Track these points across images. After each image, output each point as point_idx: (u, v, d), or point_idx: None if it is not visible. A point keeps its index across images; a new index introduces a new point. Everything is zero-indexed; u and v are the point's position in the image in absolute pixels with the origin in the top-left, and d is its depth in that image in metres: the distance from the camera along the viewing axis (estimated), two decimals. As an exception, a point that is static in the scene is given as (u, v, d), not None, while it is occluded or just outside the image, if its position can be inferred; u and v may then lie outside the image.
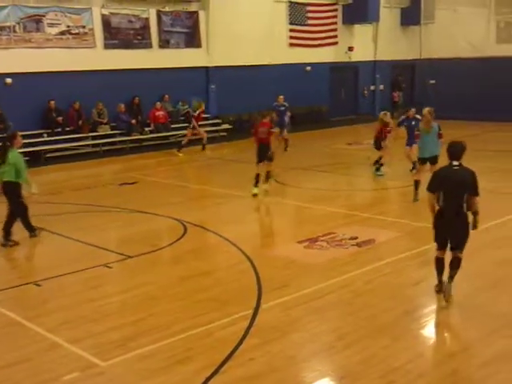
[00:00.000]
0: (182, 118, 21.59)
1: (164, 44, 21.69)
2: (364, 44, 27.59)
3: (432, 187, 6.94)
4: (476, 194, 6.77)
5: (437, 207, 6.90)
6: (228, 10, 22.60)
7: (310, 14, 25.62)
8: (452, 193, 6.75)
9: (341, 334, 6.28)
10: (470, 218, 6.86)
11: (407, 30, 28.79)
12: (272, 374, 5.57)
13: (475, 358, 5.73)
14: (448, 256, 7.04)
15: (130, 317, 6.89)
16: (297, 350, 6.05)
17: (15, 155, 9.74)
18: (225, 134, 22.29)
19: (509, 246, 9.10)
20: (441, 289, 7.09)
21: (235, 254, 8.97)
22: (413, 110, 14.25)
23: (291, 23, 25.11)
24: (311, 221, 10.88)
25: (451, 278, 6.95)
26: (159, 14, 21.52)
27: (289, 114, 19.17)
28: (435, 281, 7.19)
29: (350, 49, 27.03)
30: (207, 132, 21.77)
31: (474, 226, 6.92)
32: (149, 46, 21.27)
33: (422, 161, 11.54)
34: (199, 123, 19.50)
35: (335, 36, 26.60)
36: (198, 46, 22.58)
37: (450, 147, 6.95)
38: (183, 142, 19.02)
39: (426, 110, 11.48)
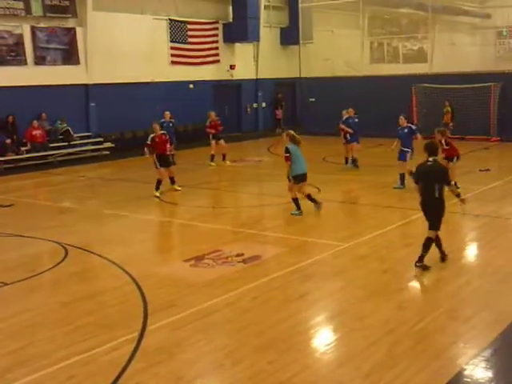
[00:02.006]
0: (61, 137, 20.90)
1: (40, 61, 20.94)
2: (246, 62, 28.06)
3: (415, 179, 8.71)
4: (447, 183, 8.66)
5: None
6: (107, 27, 22.20)
7: (190, 33, 25.72)
8: (428, 183, 8.44)
9: (229, 352, 6.26)
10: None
11: (287, 49, 29.59)
12: (160, 397, 5.45)
13: (360, 368, 5.88)
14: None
15: (7, 347, 6.52)
16: (185, 371, 5.95)
17: None
18: (107, 152, 21.77)
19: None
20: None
21: (120, 276, 8.73)
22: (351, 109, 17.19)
23: (172, 41, 25.08)
24: (197, 239, 10.81)
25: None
26: (34, 30, 20.75)
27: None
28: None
29: (232, 67, 27.40)
30: (88, 151, 21.28)
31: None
32: (23, 62, 20.46)
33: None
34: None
35: (217, 54, 26.87)
36: (77, 63, 21.99)
37: (427, 145, 8.73)
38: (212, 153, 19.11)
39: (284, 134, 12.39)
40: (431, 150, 8.72)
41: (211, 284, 8.32)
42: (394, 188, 14.18)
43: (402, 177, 14.04)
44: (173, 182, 14.79)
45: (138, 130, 22.65)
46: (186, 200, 14.13)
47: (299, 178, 12.00)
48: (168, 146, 14.79)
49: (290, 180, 12.07)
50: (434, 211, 8.53)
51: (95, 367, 6.01)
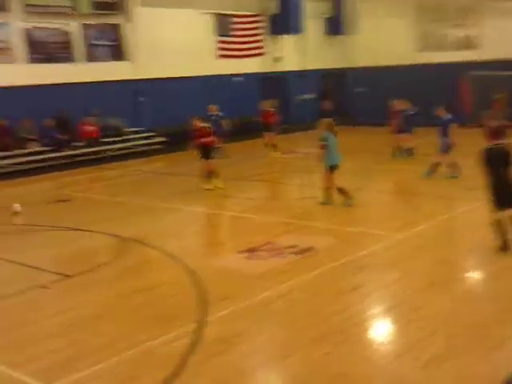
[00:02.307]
0: (114, 132, 21.33)
1: (90, 58, 21.38)
2: (291, 54, 28.00)
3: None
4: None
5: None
6: (153, 23, 22.51)
7: (235, 26, 25.83)
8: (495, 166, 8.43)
9: (285, 343, 6.35)
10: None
11: (333, 39, 29.38)
12: (220, 387, 5.57)
13: (419, 359, 5.89)
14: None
15: (72, 337, 6.74)
16: (243, 362, 6.06)
17: None
18: (159, 146, 22.12)
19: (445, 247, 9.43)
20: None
21: (177, 268, 8.91)
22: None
23: (218, 34, 25.24)
24: (250, 231, 10.94)
25: None
26: (83, 27, 21.18)
27: (224, 122, 19.36)
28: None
29: (278, 59, 27.39)
30: (140, 146, 21.68)
31: None
32: (74, 59, 20.92)
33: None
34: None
35: (262, 46, 26.91)
36: (125, 58, 22.38)
37: (494, 129, 8.77)
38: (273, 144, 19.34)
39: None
40: (497, 133, 8.70)
41: (265, 276, 8.41)
42: (424, 177, 14.02)
43: (435, 166, 13.85)
44: (210, 176, 14.46)
45: (183, 124, 22.87)
46: (237, 192, 14.28)
47: (333, 168, 12.03)
48: (212, 138, 14.72)
49: (325, 170, 12.10)
50: (502, 193, 8.44)
51: (156, 358, 6.16)
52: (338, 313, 7.04)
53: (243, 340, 6.51)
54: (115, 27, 22.14)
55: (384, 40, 26.68)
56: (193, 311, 7.22)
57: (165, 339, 6.52)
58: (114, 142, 21.20)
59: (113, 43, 22.09)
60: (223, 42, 25.40)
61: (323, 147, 12.02)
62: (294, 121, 27.86)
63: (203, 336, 6.56)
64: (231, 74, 25.41)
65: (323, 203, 12.14)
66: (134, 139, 22.14)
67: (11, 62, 19.33)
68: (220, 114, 19.10)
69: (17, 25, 19.49)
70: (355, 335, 6.51)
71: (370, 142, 20.50)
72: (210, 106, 19.13)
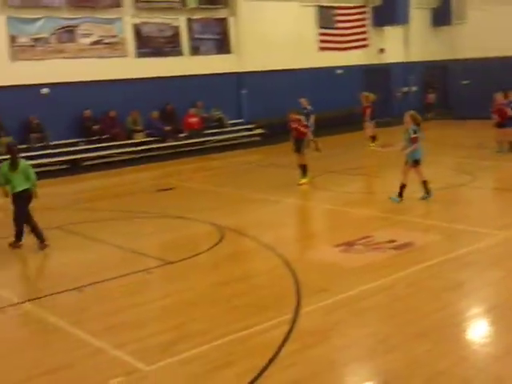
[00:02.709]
0: (216, 124, 21.78)
1: (195, 51, 21.90)
2: (395, 45, 27.45)
3: None
4: None
5: None
6: (257, 16, 22.74)
7: (338, 17, 25.60)
8: None
9: (382, 338, 6.25)
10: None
11: (438, 30, 28.53)
12: (314, 378, 5.56)
13: (520, 361, 5.66)
14: None
15: (172, 322, 6.97)
16: (338, 355, 6.05)
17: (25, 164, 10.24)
18: (258, 138, 22.37)
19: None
20: None
21: (273, 259, 8.99)
22: None
23: (321, 27, 25.11)
24: (347, 224, 10.86)
25: None
26: (189, 22, 21.73)
27: (312, 117, 19.30)
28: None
29: (381, 51, 26.91)
30: (240, 137, 21.99)
31: None
32: (180, 53, 21.52)
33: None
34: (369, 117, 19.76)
35: (365, 38, 26.52)
36: (229, 51, 22.75)
37: None
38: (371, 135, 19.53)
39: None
40: None
41: (363, 270, 8.32)
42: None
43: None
44: (304, 171, 14.26)
45: (284, 116, 22.98)
46: (334, 185, 14.19)
47: (418, 162, 11.70)
48: (304, 131, 14.52)
49: (407, 163, 11.76)
50: None
51: (251, 346, 6.24)
52: (439, 310, 6.86)
53: (338, 333, 6.49)
54: (220, 21, 22.55)
55: (493, 30, 25.53)
56: (288, 302, 7.26)
57: (260, 328, 6.59)
58: (216, 134, 21.64)
59: (217, 37, 22.52)
60: (326, 34, 25.26)
61: (416, 140, 11.64)
62: (396, 114, 27.30)
63: (298, 327, 6.58)
64: (333, 67, 25.23)
65: (423, 198, 11.81)
66: (235, 131, 22.49)
67: (122, 56, 20.15)
68: (310, 107, 19.03)
69: (128, 20, 20.28)
70: (455, 334, 6.33)
71: (475, 137, 19.74)
72: (301, 100, 19.11)
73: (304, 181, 14.15)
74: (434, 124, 25.36)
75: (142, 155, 19.78)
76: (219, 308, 7.33)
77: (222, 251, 9.62)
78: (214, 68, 21.94)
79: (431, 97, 28.21)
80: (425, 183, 11.86)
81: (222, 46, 22.71)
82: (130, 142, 19.91)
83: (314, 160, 15.58)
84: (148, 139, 20.27)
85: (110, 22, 19.99)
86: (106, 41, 19.93)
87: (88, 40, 19.56)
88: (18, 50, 18.21)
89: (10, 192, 10.02)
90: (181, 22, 21.55)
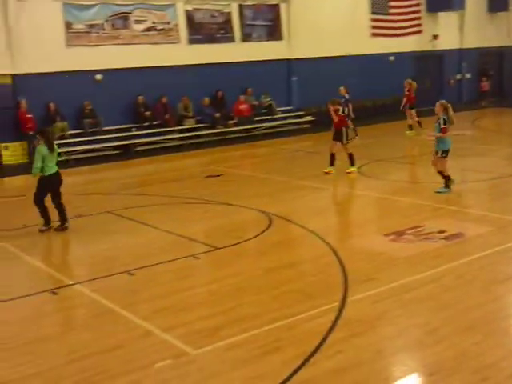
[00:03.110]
0: (265, 111, 21.78)
1: (246, 37, 21.90)
2: (449, 32, 26.85)
3: None
4: None
5: None
6: (309, 2, 22.58)
7: (392, 3, 25.18)
8: None
9: (430, 329, 6.19)
10: None
11: (494, 16, 27.78)
12: (360, 367, 5.56)
13: None
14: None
15: (219, 307, 7.05)
16: (385, 344, 6.02)
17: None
18: (308, 126, 22.27)
19: None
20: None
21: (320, 246, 8.98)
22: None
23: (373, 12, 24.75)
24: (397, 213, 10.75)
25: None
26: (241, 8, 21.73)
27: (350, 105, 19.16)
28: None
29: (435, 37, 26.37)
30: (290, 124, 21.94)
31: None
32: (231, 40, 21.54)
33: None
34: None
35: (419, 24, 26.03)
36: (280, 38, 22.67)
37: None
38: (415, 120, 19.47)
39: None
40: None
41: (412, 260, 8.24)
42: None
43: None
44: (351, 160, 14.17)
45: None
46: (383, 174, 14.05)
47: (447, 153, 11.56)
48: (339, 121, 14.32)
49: (437, 154, 11.59)
50: None
51: (298, 333, 6.27)
52: (488, 303, 6.75)
53: (386, 323, 6.46)
54: (272, 7, 22.47)
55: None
56: (335, 290, 7.26)
57: (307, 315, 6.61)
58: (265, 121, 21.64)
59: (269, 23, 22.46)
60: (378, 20, 24.88)
61: (445, 131, 11.44)
62: (449, 101, 26.75)
63: (345, 315, 6.58)
64: (385, 53, 24.87)
65: (446, 191, 11.67)
66: (285, 118, 22.43)
67: (174, 43, 20.32)
68: (348, 96, 18.84)
69: (180, 7, 20.42)
70: (504, 328, 6.24)
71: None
72: (340, 88, 18.93)
73: (352, 169, 14.05)
74: (488, 112, 24.80)
75: (191, 141, 19.96)
76: (267, 294, 7.37)
77: (270, 238, 9.66)
78: (264, 55, 21.90)
79: (486, 84, 27.53)
80: (446, 177, 11.72)
81: (274, 32, 22.63)
82: (180, 128, 20.11)
83: (362, 148, 15.46)
84: (198, 125, 20.42)
85: (162, 8, 20.16)
86: (159, 27, 20.12)
87: (141, 26, 19.78)
88: (73, 37, 18.56)
89: (41, 174, 10.30)
90: (233, 8, 21.56)
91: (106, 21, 19.11)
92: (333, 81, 22.39)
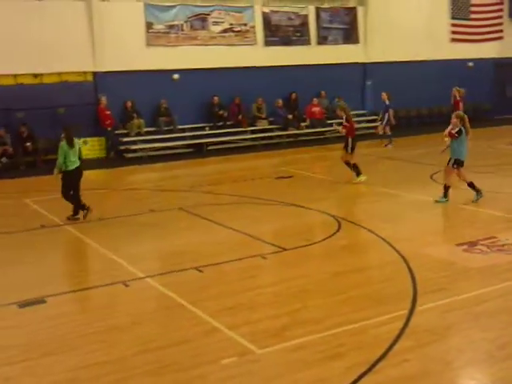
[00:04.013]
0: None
1: (322, 40, 21.87)
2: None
3: None
4: None
5: None
6: (387, 5, 22.34)
7: (473, 8, 24.55)
8: None
9: (501, 344, 6.01)
10: None
11: None
12: (426, 377, 5.46)
13: None
14: None
15: (285, 308, 7.06)
16: (453, 356, 5.88)
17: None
18: (384, 130, 21.97)
19: None
20: None
21: (389, 253, 8.86)
22: None
23: (453, 17, 24.21)
24: (471, 223, 10.50)
25: None
26: (318, 11, 21.71)
27: (390, 111, 18.94)
28: None
29: (516, 43, 25.57)
30: (362, 129, 21.73)
31: None
32: (307, 42, 21.57)
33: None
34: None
35: (500, 30, 25.27)
36: (356, 42, 22.50)
37: None
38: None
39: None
40: None
41: (485, 271, 8.01)
42: None
43: None
44: (355, 170, 13.93)
45: (411, 108, 22.56)
46: (459, 182, 13.67)
47: (462, 163, 11.50)
48: (347, 128, 14.07)
49: (449, 163, 11.57)
50: None
51: (363, 339, 6.21)
52: None
53: (455, 334, 6.32)
54: (349, 10, 22.33)
55: None
56: (403, 298, 7.14)
57: (373, 322, 6.54)
58: (337, 124, 21.46)
59: (345, 26, 22.34)
60: (459, 25, 24.33)
61: (453, 136, 11.41)
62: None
63: (412, 324, 6.47)
64: (463, 59, 24.28)
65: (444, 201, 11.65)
66: (357, 122, 22.19)
67: (251, 44, 20.51)
68: (388, 102, 18.48)
69: (258, 9, 20.58)
70: None
71: None
72: (382, 94, 18.70)
73: (359, 179, 13.81)
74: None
75: (263, 142, 20.08)
76: (333, 298, 7.33)
77: (339, 242, 9.61)
78: (340, 58, 21.79)
79: None
80: (447, 188, 11.73)
81: (350, 35, 22.49)
82: (252, 128, 20.27)
83: (438, 155, 15.00)
84: (270, 127, 20.54)
85: (240, 10, 20.39)
86: (236, 29, 20.36)
87: (219, 28, 20.07)
88: (152, 37, 19.03)
89: (64, 169, 10.90)
90: (310, 11, 21.56)
91: (185, 22, 19.49)
92: (408, 86, 22.16)
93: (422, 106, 23.24)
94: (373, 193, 13.01)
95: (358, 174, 13.91)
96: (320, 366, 5.71)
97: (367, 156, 18.23)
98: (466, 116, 11.63)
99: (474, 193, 11.69)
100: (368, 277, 8.13)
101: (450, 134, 11.51)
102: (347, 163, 14.06)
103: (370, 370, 5.56)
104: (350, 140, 14.00)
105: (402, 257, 8.61)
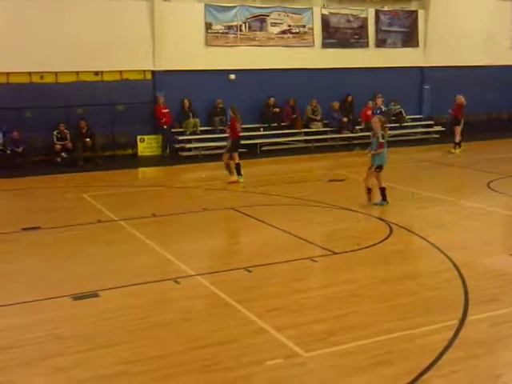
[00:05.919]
0: (394, 119, 21.40)
1: (380, 43, 21.67)
2: None
3: None
4: None
5: None
6: (449, 9, 21.96)
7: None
8: None
9: (555, 360, 5.87)
10: None
11: None
12: (475, 389, 5.39)
13: None
14: None
15: (332, 312, 7.04)
16: (504, 370, 5.76)
17: None
18: (437, 136, 21.65)
19: None
20: None
21: (441, 261, 8.73)
22: None
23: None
24: (527, 234, 10.23)
25: None
26: (378, 14, 21.53)
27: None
28: None
29: None
30: (417, 133, 21.47)
31: None
32: (365, 45, 21.40)
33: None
34: None
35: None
36: (415, 45, 22.20)
37: None
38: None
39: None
40: None
41: (540, 284, 7.82)
42: None
43: None
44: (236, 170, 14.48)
45: (470, 115, 22.05)
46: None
47: (382, 168, 11.74)
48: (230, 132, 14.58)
49: (371, 168, 11.76)
50: None
51: (411, 347, 6.13)
52: None
53: (506, 347, 6.19)
54: (410, 14, 22.05)
55: None
56: (454, 307, 7.03)
57: (422, 330, 6.46)
58: (393, 128, 21.23)
59: (405, 30, 22.06)
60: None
61: (382, 145, 11.74)
62: None
63: (463, 335, 6.36)
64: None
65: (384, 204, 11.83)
66: (413, 126, 21.95)
67: (308, 46, 20.49)
68: (383, 108, 18.06)
69: (317, 11, 20.55)
70: None
71: None
72: (378, 98, 18.29)
73: (238, 178, 14.44)
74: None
75: (317, 144, 20.03)
76: (382, 304, 7.27)
77: (390, 247, 9.52)
78: (398, 61, 21.55)
79: None
80: (383, 190, 11.93)
81: (409, 39, 22.21)
82: (306, 130, 20.24)
83: (495, 162, 14.76)
84: (324, 129, 20.47)
85: (299, 11, 20.39)
86: (294, 30, 20.37)
87: (277, 29, 20.13)
88: (211, 37, 19.24)
89: None
90: (369, 13, 21.39)
91: (244, 22, 19.62)
92: (467, 91, 21.63)
93: (478, 112, 22.48)
94: (426, 199, 12.81)
95: (239, 173, 14.47)
96: (366, 372, 5.67)
97: (423, 161, 17.99)
98: (385, 119, 12.24)
99: (380, 197, 11.93)
100: (418, 284, 8.02)
101: (380, 144, 11.78)
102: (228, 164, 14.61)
103: (417, 379, 5.50)
104: (231, 141, 14.57)
105: (454, 265, 8.47)
